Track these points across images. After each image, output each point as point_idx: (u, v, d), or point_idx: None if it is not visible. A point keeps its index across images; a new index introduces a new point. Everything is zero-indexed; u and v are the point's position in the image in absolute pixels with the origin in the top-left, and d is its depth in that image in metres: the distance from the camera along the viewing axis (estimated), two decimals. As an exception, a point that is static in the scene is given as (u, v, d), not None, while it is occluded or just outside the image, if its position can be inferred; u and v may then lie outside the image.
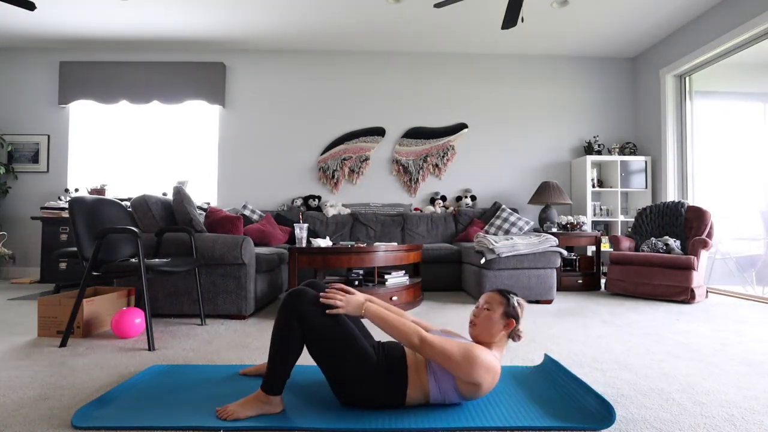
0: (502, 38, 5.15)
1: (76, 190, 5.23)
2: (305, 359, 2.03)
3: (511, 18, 3.49)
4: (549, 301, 3.55)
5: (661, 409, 1.47)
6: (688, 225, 4.00)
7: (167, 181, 5.43)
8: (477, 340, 1.51)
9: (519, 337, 1.53)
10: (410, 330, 1.40)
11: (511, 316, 1.49)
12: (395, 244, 3.35)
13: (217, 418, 1.36)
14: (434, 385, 1.42)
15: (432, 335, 1.41)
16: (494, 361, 1.41)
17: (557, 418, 1.37)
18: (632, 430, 1.32)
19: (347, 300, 1.43)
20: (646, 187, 5.24)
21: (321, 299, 1.42)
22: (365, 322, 2.75)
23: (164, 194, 5.18)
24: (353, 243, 3.48)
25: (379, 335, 2.50)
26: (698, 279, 3.61)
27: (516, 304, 1.51)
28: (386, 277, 3.32)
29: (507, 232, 4.65)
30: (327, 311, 1.39)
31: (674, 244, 3.90)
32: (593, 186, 5.33)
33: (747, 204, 4.66)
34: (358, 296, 1.48)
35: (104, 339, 2.38)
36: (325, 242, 3.29)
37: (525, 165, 5.58)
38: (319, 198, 5.27)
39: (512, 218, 4.71)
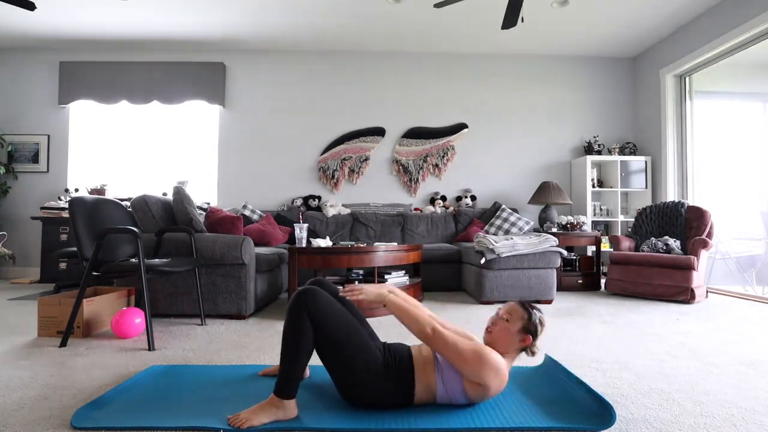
0: (502, 38, 5.15)
1: (76, 190, 5.23)
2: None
3: (511, 18, 3.49)
4: (549, 301, 3.55)
5: (661, 409, 1.47)
6: (688, 225, 4.00)
7: (167, 181, 5.43)
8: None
9: (533, 352, 1.50)
10: (425, 320, 1.42)
11: (530, 332, 1.47)
12: (395, 244, 3.35)
13: (229, 425, 1.29)
14: (441, 385, 1.42)
15: (446, 330, 1.43)
16: (503, 363, 1.41)
17: (557, 419, 1.37)
18: (632, 430, 1.32)
19: (366, 290, 1.47)
20: (646, 187, 5.24)
21: (342, 293, 1.48)
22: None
23: (164, 194, 5.18)
24: (353, 243, 3.48)
25: (383, 336, 2.50)
26: (698, 279, 3.61)
27: (537, 321, 1.48)
28: (386, 277, 3.32)
29: (507, 232, 4.64)
30: (345, 297, 1.47)
31: (674, 244, 3.89)
32: (593, 186, 5.33)
33: (747, 204, 4.67)
34: (380, 287, 1.50)
35: (104, 339, 2.38)
36: (325, 242, 3.29)
37: (525, 165, 5.58)
38: (319, 198, 5.27)
39: (512, 218, 4.70)
